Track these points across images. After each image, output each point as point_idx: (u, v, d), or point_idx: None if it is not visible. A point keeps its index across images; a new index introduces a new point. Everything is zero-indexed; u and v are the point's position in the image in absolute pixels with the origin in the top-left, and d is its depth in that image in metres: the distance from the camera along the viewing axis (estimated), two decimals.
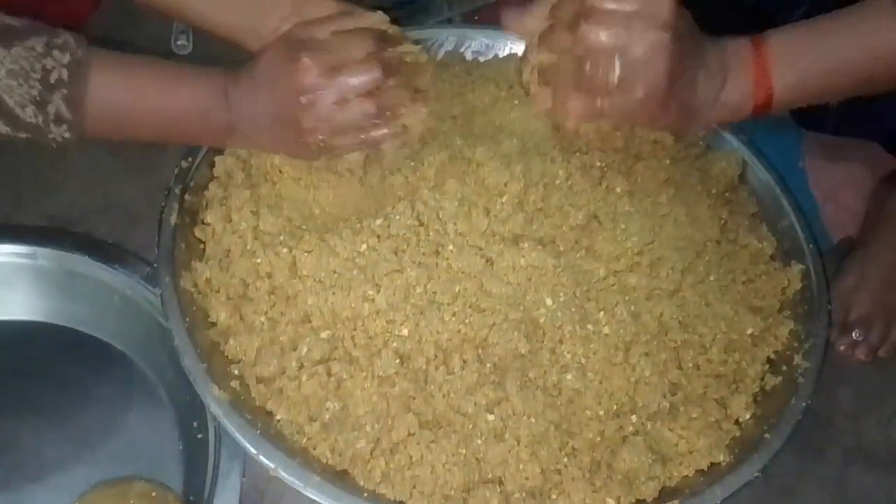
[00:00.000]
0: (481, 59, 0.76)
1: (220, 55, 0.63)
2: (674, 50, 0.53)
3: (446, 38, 0.76)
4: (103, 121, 0.54)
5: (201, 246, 0.61)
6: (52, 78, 0.50)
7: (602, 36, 0.53)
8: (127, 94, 0.55)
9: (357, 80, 0.57)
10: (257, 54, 0.59)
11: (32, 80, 0.50)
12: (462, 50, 0.76)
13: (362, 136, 0.59)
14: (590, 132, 0.63)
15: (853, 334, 0.72)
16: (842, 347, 0.73)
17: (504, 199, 0.62)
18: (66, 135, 0.52)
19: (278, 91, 0.57)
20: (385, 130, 0.60)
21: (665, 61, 0.53)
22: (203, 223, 0.62)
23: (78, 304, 0.68)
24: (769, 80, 0.56)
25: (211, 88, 0.57)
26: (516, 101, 0.70)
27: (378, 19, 0.61)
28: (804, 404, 0.57)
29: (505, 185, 0.62)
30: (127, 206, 0.77)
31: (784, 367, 0.60)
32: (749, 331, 0.61)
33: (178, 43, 0.90)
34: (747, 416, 0.57)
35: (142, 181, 0.78)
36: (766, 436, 0.55)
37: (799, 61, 0.56)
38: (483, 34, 0.77)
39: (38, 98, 0.50)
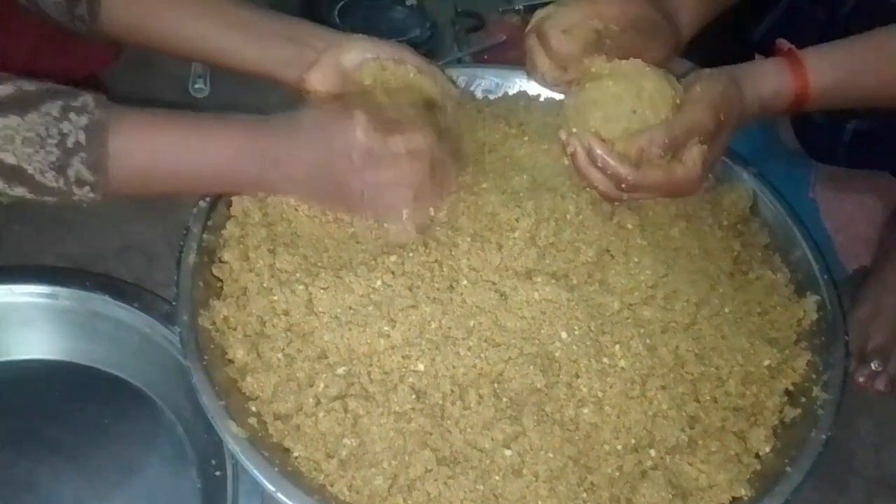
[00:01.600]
0: (491, 97, 0.78)
1: (237, 98, 0.65)
2: (712, 149, 0.59)
3: (457, 78, 0.78)
4: (127, 181, 0.54)
5: (219, 284, 0.62)
6: (70, 142, 0.50)
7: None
8: (149, 153, 0.54)
9: (411, 140, 0.57)
10: (301, 106, 0.58)
11: (49, 145, 0.50)
12: (472, 88, 0.78)
13: (405, 207, 0.60)
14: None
15: (872, 365, 0.72)
16: (861, 379, 0.72)
17: (516, 235, 0.63)
18: (91, 195, 0.52)
19: (327, 143, 0.57)
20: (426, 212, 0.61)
21: (704, 171, 0.59)
22: (220, 262, 0.63)
23: (97, 343, 0.68)
24: (804, 72, 0.58)
25: (239, 142, 0.57)
26: (526, 138, 0.72)
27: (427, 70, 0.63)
28: (825, 436, 0.56)
29: (516, 220, 0.63)
30: (145, 247, 0.78)
31: (803, 399, 0.59)
32: (766, 363, 0.60)
33: (196, 87, 0.92)
34: (767, 450, 0.57)
35: (159, 223, 0.80)
36: (788, 469, 0.55)
37: (831, 58, 0.58)
38: (493, 73, 0.78)
39: (58, 163, 0.50)
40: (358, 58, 0.61)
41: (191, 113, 0.57)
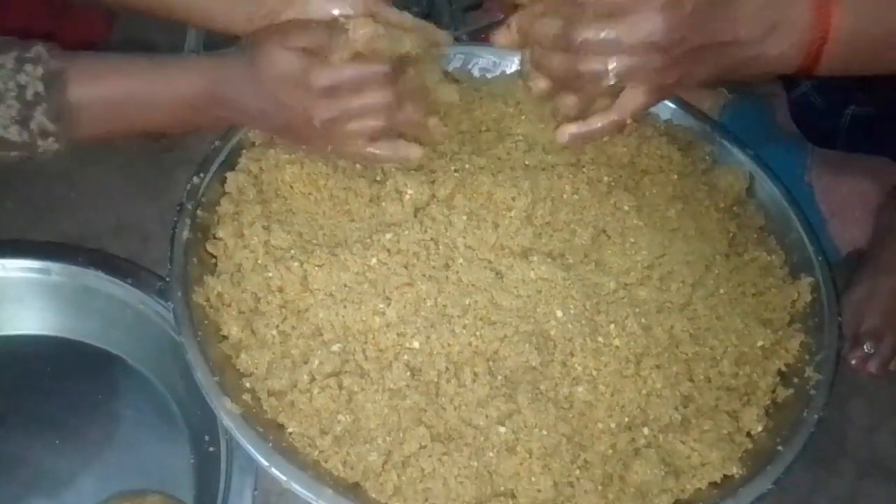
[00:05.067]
0: (488, 76, 0.77)
1: None
2: (674, 30, 0.50)
3: (454, 56, 0.77)
4: (89, 126, 0.53)
5: (213, 261, 0.62)
6: (29, 94, 0.50)
7: (588, 34, 0.52)
8: (108, 98, 0.53)
9: (369, 67, 0.56)
10: (254, 46, 0.57)
11: (9, 99, 0.49)
12: (470, 67, 0.77)
13: (370, 133, 0.58)
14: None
15: (864, 347, 0.72)
16: (853, 361, 0.72)
17: (512, 214, 0.63)
18: (55, 146, 0.52)
19: (279, 76, 0.55)
20: (388, 148, 0.60)
21: (664, 48, 0.50)
22: (215, 238, 0.62)
23: (91, 319, 0.68)
24: (828, 20, 0.51)
25: (194, 83, 0.56)
26: (523, 117, 0.71)
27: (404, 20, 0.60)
28: (817, 416, 0.56)
29: (513, 199, 0.63)
30: (139, 225, 0.78)
31: (796, 380, 0.60)
32: (760, 343, 0.61)
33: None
34: (759, 429, 0.57)
35: (154, 201, 0.79)
36: (779, 448, 0.55)
37: (864, 7, 0.52)
38: (490, 52, 0.78)
39: (19, 117, 0.50)
40: (321, 14, 0.59)
41: (145, 56, 0.56)
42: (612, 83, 0.54)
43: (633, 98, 0.55)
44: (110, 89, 0.54)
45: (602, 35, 0.52)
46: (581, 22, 0.53)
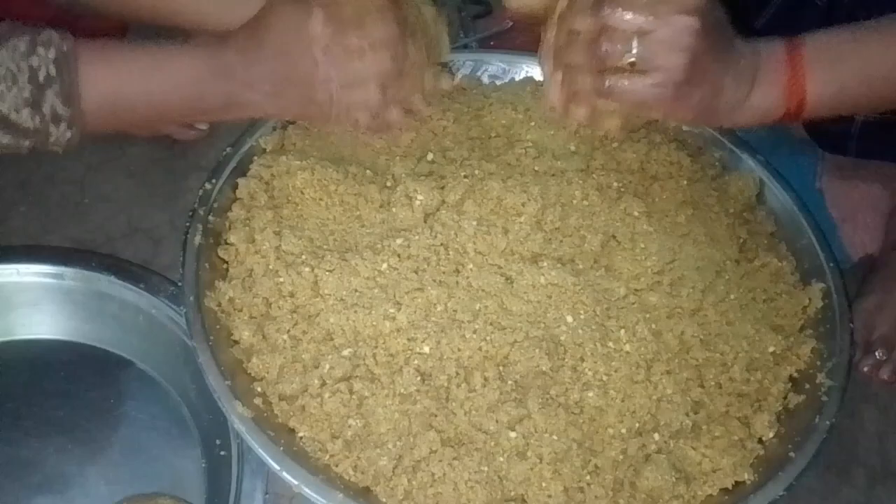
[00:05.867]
0: (498, 82, 0.77)
1: None
2: (699, 40, 0.50)
3: (463, 63, 0.78)
4: (99, 110, 0.53)
5: (225, 266, 0.62)
6: (41, 76, 0.50)
7: (625, 15, 0.50)
8: (117, 80, 0.54)
9: (372, 32, 0.56)
10: (258, 14, 0.57)
11: (21, 81, 0.49)
12: (479, 74, 0.78)
13: (375, 103, 0.58)
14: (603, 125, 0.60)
15: (876, 354, 0.72)
16: (865, 368, 0.72)
17: (522, 220, 0.63)
18: (67, 134, 0.52)
19: (288, 46, 0.56)
20: (396, 112, 0.60)
21: (687, 50, 0.50)
22: (226, 244, 0.63)
23: (103, 324, 0.69)
24: (803, 87, 0.53)
25: (203, 61, 0.56)
26: (532, 123, 0.72)
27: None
28: (829, 423, 0.56)
29: (522, 205, 0.63)
30: (152, 230, 0.78)
31: (807, 386, 0.59)
32: (771, 349, 0.60)
33: None
34: (771, 435, 0.57)
35: (166, 207, 0.80)
36: (791, 454, 0.55)
37: (837, 69, 0.53)
38: (499, 59, 0.78)
39: (32, 99, 0.50)
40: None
41: (154, 43, 0.57)
42: (632, 60, 0.52)
43: (642, 84, 0.53)
44: (119, 69, 0.54)
45: (633, 14, 0.51)
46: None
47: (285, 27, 0.56)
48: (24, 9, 0.71)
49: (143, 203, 0.81)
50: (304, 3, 0.56)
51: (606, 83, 0.53)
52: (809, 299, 0.64)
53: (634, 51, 0.51)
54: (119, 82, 0.54)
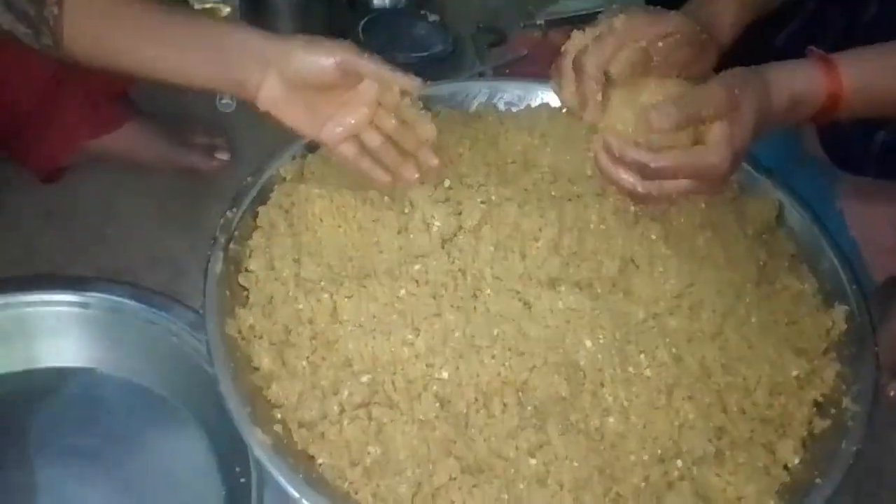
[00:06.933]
0: (514, 109, 0.78)
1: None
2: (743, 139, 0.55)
3: (479, 91, 0.79)
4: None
5: (245, 293, 0.63)
6: None
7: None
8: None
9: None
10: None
11: None
12: (495, 101, 0.78)
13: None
14: None
15: None
16: (892, 393, 0.71)
17: (539, 244, 0.63)
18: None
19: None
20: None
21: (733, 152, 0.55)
22: (247, 271, 0.63)
23: (125, 352, 0.69)
24: (838, 80, 0.56)
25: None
26: (548, 149, 0.72)
27: (417, 84, 0.61)
28: (855, 448, 0.55)
29: (539, 230, 0.63)
30: (173, 259, 0.80)
31: (832, 411, 0.58)
32: (794, 373, 0.60)
33: (223, 101, 0.94)
34: (796, 461, 0.56)
35: (187, 236, 0.81)
36: (817, 481, 0.54)
37: (866, 68, 0.57)
38: (515, 86, 0.79)
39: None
40: (302, 68, 0.60)
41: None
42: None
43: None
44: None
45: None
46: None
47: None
48: (26, 64, 0.73)
49: (165, 232, 0.82)
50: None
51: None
52: (833, 322, 0.63)
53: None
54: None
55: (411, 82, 0.61)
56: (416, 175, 0.65)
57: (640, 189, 0.57)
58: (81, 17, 0.58)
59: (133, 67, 0.61)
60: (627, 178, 0.57)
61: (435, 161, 0.65)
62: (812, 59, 0.58)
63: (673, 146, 0.56)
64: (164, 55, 0.60)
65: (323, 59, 0.59)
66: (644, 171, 0.56)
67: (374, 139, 0.63)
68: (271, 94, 0.60)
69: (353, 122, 0.62)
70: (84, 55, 0.60)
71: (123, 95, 0.87)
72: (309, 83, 0.60)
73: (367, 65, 0.60)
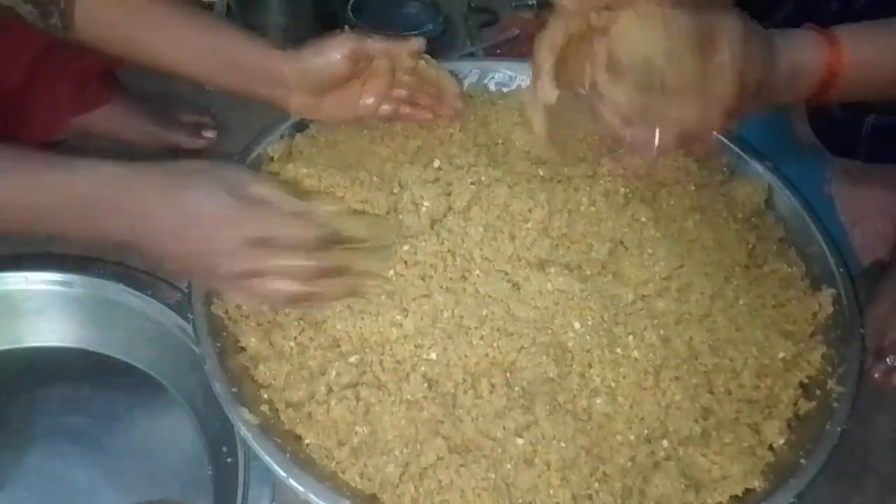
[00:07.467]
0: (504, 90, 0.78)
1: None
2: (748, 65, 0.51)
3: (470, 71, 0.78)
4: None
5: None
6: None
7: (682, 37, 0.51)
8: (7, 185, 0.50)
9: (293, 265, 0.54)
10: (192, 180, 0.53)
11: None
12: (486, 81, 0.78)
13: (286, 295, 0.56)
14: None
15: (888, 360, 0.71)
16: (877, 374, 0.71)
17: (529, 226, 0.63)
18: None
19: (206, 236, 0.52)
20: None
21: (738, 75, 0.51)
22: None
23: (111, 331, 0.69)
24: (838, 55, 0.54)
25: (98, 175, 0.52)
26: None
27: (421, 44, 0.65)
28: (840, 429, 0.55)
29: (529, 211, 0.63)
30: None
31: (818, 392, 0.59)
32: (781, 355, 0.60)
33: None
34: (781, 442, 0.56)
35: None
36: (802, 461, 0.54)
37: (864, 43, 0.55)
38: (506, 66, 0.78)
39: None
40: (320, 76, 0.62)
41: (69, 156, 0.52)
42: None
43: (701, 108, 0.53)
44: (11, 179, 0.50)
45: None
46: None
47: (215, 206, 0.52)
48: (12, 42, 0.72)
49: None
50: (237, 206, 0.53)
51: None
52: (819, 305, 0.63)
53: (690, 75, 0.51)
54: (7, 190, 0.50)
55: (414, 45, 0.65)
56: (452, 112, 0.69)
57: (635, 106, 0.52)
58: (97, 4, 0.58)
59: (148, 61, 0.61)
60: (624, 93, 0.53)
61: (460, 105, 0.70)
62: (811, 31, 0.56)
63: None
64: (182, 59, 0.61)
65: (333, 57, 0.61)
66: (650, 78, 0.51)
67: (400, 93, 0.67)
68: (301, 106, 0.64)
69: (379, 90, 0.65)
70: (94, 41, 0.59)
71: (109, 73, 0.86)
72: (330, 84, 0.63)
73: (373, 45, 0.63)
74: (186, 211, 0.52)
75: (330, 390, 0.55)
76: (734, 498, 0.54)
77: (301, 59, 0.61)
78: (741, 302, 0.62)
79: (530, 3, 1.04)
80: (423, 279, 0.60)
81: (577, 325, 0.58)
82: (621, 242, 0.63)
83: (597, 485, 0.53)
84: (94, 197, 0.51)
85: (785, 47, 0.55)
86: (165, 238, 0.52)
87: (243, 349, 0.58)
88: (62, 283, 0.69)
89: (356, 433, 0.54)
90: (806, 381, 0.60)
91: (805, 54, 0.55)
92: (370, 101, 0.65)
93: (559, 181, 0.66)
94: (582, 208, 0.65)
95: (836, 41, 0.55)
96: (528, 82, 0.61)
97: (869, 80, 0.56)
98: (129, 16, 0.59)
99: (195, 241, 0.52)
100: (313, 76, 0.62)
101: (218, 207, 0.52)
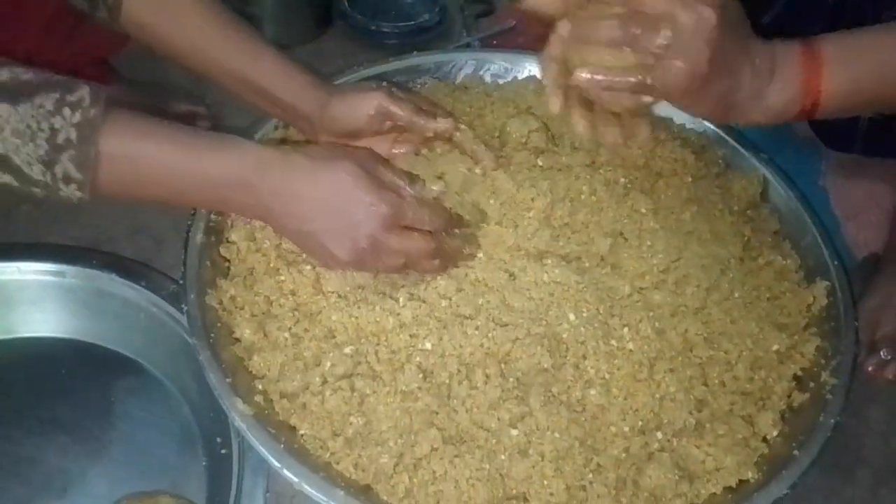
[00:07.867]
0: (500, 81, 0.77)
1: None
2: (721, 34, 0.49)
3: (466, 62, 0.78)
4: (114, 184, 0.52)
5: (226, 264, 0.62)
6: (60, 138, 0.48)
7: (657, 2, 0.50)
8: (137, 158, 0.52)
9: (417, 247, 0.57)
10: (322, 160, 0.56)
11: (39, 139, 0.48)
12: (482, 73, 0.78)
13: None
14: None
15: (881, 353, 0.71)
16: (870, 368, 0.72)
17: (531, 215, 0.63)
18: (77, 194, 0.50)
19: (345, 217, 0.55)
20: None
21: (712, 41, 0.49)
22: (228, 242, 0.63)
23: (104, 322, 0.69)
24: (818, 85, 0.53)
25: (232, 161, 0.54)
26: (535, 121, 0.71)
27: (448, 126, 0.64)
28: (833, 421, 0.56)
29: (532, 200, 0.63)
30: (153, 228, 0.78)
31: (811, 384, 0.59)
32: (775, 347, 0.60)
33: None
34: (775, 434, 0.56)
35: (169, 208, 0.79)
36: (795, 453, 0.54)
37: (852, 68, 0.53)
38: (502, 58, 0.78)
39: (46, 158, 0.49)
40: (344, 125, 0.63)
41: (187, 128, 0.54)
42: (664, 43, 0.50)
43: (675, 69, 0.51)
44: (140, 151, 0.52)
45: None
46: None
47: (347, 196, 0.55)
48: (31, 6, 0.71)
49: (146, 203, 0.80)
50: (375, 186, 0.56)
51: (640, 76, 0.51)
52: (814, 297, 0.63)
53: (661, 39, 0.50)
54: (137, 162, 0.52)
55: (442, 125, 0.64)
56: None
57: (618, 31, 0.51)
58: (145, 7, 0.59)
59: (189, 69, 0.62)
60: (607, 26, 0.51)
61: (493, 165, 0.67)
62: (796, 56, 0.53)
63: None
64: (223, 81, 0.62)
65: (359, 112, 0.63)
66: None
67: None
68: (328, 141, 0.64)
69: (413, 144, 0.66)
70: (136, 33, 0.61)
71: (104, 61, 0.85)
72: (355, 135, 0.64)
73: (399, 113, 0.63)
74: (331, 189, 0.55)
75: (324, 381, 0.55)
76: (728, 489, 0.54)
77: (330, 106, 0.63)
78: (736, 294, 0.62)
79: None
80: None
81: (571, 317, 0.58)
82: (621, 234, 0.63)
83: (591, 476, 0.53)
84: (239, 176, 0.54)
85: (766, 47, 0.53)
86: (306, 211, 0.55)
87: (237, 340, 0.58)
88: (55, 274, 0.68)
89: (350, 424, 0.54)
90: (800, 373, 0.60)
91: (783, 95, 0.53)
92: (402, 150, 0.66)
93: (559, 170, 0.66)
94: (583, 197, 0.65)
95: (819, 69, 0.53)
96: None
97: (848, 108, 0.55)
98: (178, 24, 0.60)
99: (333, 217, 0.55)
100: (339, 126, 0.63)
101: (359, 189, 0.55)
